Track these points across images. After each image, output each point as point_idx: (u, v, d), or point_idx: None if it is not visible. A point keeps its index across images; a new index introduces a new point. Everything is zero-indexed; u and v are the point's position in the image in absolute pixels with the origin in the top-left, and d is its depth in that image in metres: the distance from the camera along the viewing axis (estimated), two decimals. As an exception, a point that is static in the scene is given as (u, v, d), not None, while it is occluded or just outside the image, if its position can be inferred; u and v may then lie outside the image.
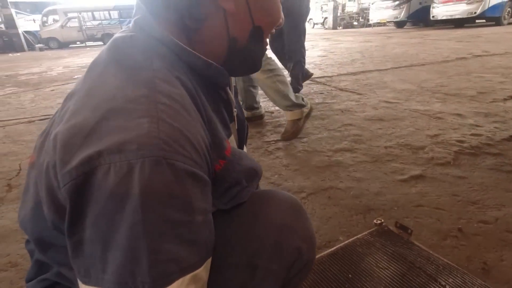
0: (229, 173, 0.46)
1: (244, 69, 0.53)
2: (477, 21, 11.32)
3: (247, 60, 0.50)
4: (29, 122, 2.49)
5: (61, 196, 0.34)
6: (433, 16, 11.68)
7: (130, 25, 0.46)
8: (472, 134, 1.72)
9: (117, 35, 0.44)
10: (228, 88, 0.51)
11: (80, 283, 0.34)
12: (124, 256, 0.31)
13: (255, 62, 0.52)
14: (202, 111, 0.41)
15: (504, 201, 1.13)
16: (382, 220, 1.01)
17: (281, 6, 0.49)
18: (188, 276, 0.34)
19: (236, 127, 0.57)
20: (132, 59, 0.39)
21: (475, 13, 10.28)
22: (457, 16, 10.90)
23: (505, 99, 2.31)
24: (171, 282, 0.32)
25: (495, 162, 1.41)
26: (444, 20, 11.55)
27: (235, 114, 0.55)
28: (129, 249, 0.31)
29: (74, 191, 0.31)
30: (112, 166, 0.30)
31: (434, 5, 11.54)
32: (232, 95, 0.53)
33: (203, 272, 0.36)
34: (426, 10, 12.17)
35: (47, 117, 2.59)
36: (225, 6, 0.43)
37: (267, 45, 0.51)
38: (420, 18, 13.25)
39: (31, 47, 12.94)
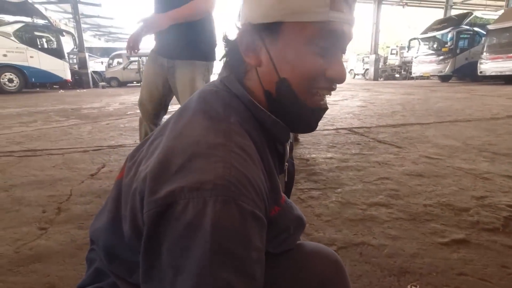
0: (282, 220, 0.50)
1: (298, 127, 0.54)
2: (531, 78, 10.74)
3: (295, 117, 0.51)
4: (84, 151, 2.76)
5: (141, 220, 0.41)
6: (480, 72, 11.37)
7: (217, 81, 0.55)
8: (525, 200, 1.58)
9: (205, 87, 0.53)
10: (287, 143, 0.57)
11: None
12: (193, 281, 0.35)
13: (302, 119, 0.52)
14: (265, 161, 0.47)
15: None
16: (418, 286, 0.94)
17: (326, 62, 0.47)
18: None
19: (286, 179, 0.63)
20: (215, 111, 0.47)
21: (528, 70, 9.82)
22: (507, 73, 10.50)
23: None
24: None
25: (554, 234, 1.27)
26: (493, 76, 11.15)
27: (286, 167, 0.61)
28: (197, 275, 0.35)
29: (155, 217, 0.38)
30: (191, 201, 0.37)
31: (482, 61, 11.28)
32: (287, 150, 0.59)
33: None
34: (473, 65, 11.91)
35: (100, 148, 2.85)
36: (247, 61, 0.49)
37: (315, 103, 0.50)
38: (466, 73, 12.94)
39: (95, 85, 14.63)
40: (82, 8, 15.96)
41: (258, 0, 0.47)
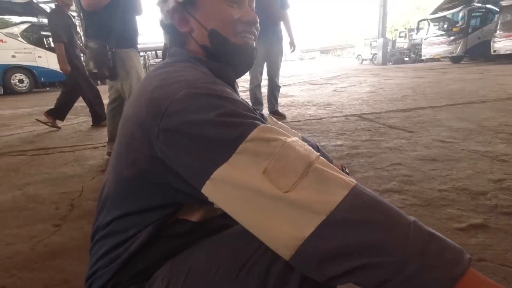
0: None
1: (238, 66, 0.64)
2: (548, 55, 10.33)
3: (232, 57, 0.62)
4: (94, 148, 2.78)
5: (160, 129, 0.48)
6: (494, 51, 10.98)
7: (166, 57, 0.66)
8: (546, 181, 1.52)
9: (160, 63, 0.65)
10: (235, 85, 0.68)
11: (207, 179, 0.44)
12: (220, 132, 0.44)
13: (238, 57, 0.62)
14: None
15: None
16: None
17: (238, 10, 0.60)
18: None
19: None
20: (172, 61, 0.60)
21: (545, 47, 9.43)
22: (523, 51, 10.09)
23: None
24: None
25: None
26: (508, 55, 10.75)
27: None
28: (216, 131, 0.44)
29: (170, 117, 0.46)
30: (183, 90, 0.48)
31: (496, 39, 10.88)
32: (238, 92, 0.68)
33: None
34: (486, 44, 11.50)
35: (109, 144, 2.88)
36: (183, 30, 0.62)
37: (244, 42, 0.61)
38: (479, 53, 12.51)
39: (103, 82, 14.72)
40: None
41: None
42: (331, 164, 0.44)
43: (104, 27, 1.99)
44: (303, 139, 0.95)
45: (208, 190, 0.44)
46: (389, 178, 1.68)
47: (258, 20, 0.63)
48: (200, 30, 0.60)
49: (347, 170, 1.03)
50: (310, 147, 0.45)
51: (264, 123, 0.46)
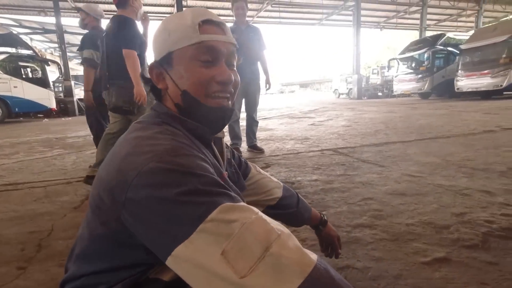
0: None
1: (210, 126, 0.65)
2: (504, 93, 11.30)
3: (204, 119, 0.64)
4: (68, 183, 2.71)
5: (125, 204, 0.50)
6: (457, 89, 11.89)
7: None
8: (502, 214, 1.63)
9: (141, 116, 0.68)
10: (212, 144, 0.69)
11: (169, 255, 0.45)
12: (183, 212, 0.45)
13: (210, 119, 0.64)
14: (196, 148, 0.59)
15: (541, 295, 1.03)
16: (401, 308, 0.94)
17: (212, 69, 0.62)
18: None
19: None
20: (151, 123, 0.62)
21: (501, 86, 10.36)
22: (482, 89, 11.02)
23: (538, 177, 2.20)
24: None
25: (530, 248, 1.31)
26: (470, 92, 11.67)
27: (226, 175, 0.68)
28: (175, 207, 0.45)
29: (134, 190, 0.47)
30: (151, 163, 0.49)
31: (458, 78, 11.82)
32: (218, 154, 0.71)
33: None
34: (450, 82, 12.47)
35: (83, 178, 2.81)
36: (160, 87, 0.66)
37: (218, 103, 0.63)
38: (444, 90, 13.50)
39: (81, 112, 14.49)
40: (68, 37, 16.10)
41: (155, 43, 0.66)
42: (294, 240, 0.46)
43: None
44: (284, 188, 0.99)
45: (171, 264, 0.45)
46: (360, 213, 1.74)
47: (233, 79, 0.63)
48: (174, 89, 0.63)
49: (325, 217, 1.07)
50: (272, 226, 0.45)
51: (231, 196, 0.47)
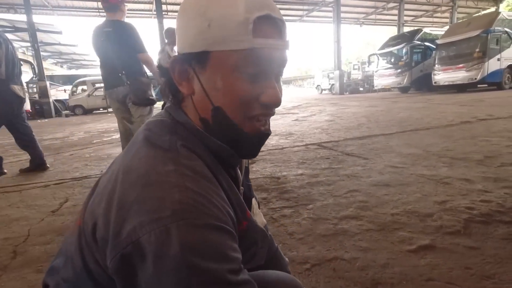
0: (250, 233, 0.53)
1: (239, 152, 0.52)
2: (479, 85, 11.76)
3: (234, 143, 0.51)
4: (45, 186, 2.59)
5: (107, 267, 0.40)
6: (435, 82, 12.27)
7: (162, 111, 0.55)
8: (481, 201, 1.68)
9: (151, 119, 0.53)
10: (237, 168, 0.57)
11: None
12: None
13: (242, 145, 0.51)
14: (222, 180, 0.48)
15: (521, 276, 1.06)
16: (389, 297, 0.95)
17: (259, 86, 0.48)
18: None
19: None
20: (161, 140, 0.47)
21: (475, 79, 10.75)
22: (458, 82, 11.41)
23: (513, 164, 2.29)
24: None
25: (509, 231, 1.35)
26: (446, 86, 12.06)
27: (241, 191, 0.60)
28: None
29: (123, 261, 0.38)
30: (153, 233, 0.36)
31: (435, 72, 12.20)
32: (240, 174, 0.58)
33: None
34: (428, 76, 12.86)
35: (62, 181, 2.70)
36: (181, 89, 0.50)
37: (255, 129, 0.50)
38: (423, 84, 13.90)
39: (58, 114, 14.00)
40: (41, 36, 15.46)
41: (185, 30, 0.48)
42: None
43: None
44: (265, 227, 0.76)
45: None
46: (346, 205, 1.75)
47: (281, 100, 0.50)
48: (203, 99, 0.49)
49: None
50: None
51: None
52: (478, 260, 1.16)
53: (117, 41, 2.56)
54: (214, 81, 0.47)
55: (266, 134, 0.52)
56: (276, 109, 0.52)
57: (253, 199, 0.72)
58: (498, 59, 10.71)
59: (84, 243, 0.46)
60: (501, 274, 1.08)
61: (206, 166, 0.46)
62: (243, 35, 0.44)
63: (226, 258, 0.38)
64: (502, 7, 21.61)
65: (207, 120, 0.50)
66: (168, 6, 15.82)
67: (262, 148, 2.75)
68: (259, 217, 0.74)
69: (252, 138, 0.51)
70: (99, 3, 14.46)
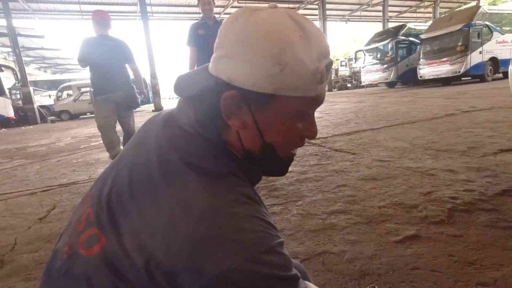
0: None
1: (272, 174, 0.57)
2: (462, 78, 12.03)
3: (271, 168, 0.54)
4: (31, 194, 2.55)
5: None
6: (420, 76, 12.50)
7: (182, 121, 0.50)
8: (465, 190, 1.73)
9: (176, 131, 0.49)
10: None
11: None
12: None
13: (278, 169, 0.55)
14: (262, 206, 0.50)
15: (502, 261, 1.10)
16: (376, 287, 0.98)
17: (303, 127, 0.51)
18: None
19: None
20: (208, 166, 0.45)
21: (459, 72, 10.99)
22: (442, 76, 11.65)
23: (495, 153, 2.36)
24: None
25: (490, 218, 1.40)
26: (432, 79, 12.31)
27: None
28: None
29: None
30: (240, 262, 0.39)
31: (420, 66, 12.43)
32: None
33: None
34: (413, 71, 13.09)
35: (49, 188, 2.66)
36: (230, 124, 0.48)
37: (291, 155, 0.54)
38: (409, 79, 14.14)
39: (43, 120, 13.71)
40: (23, 41, 15.12)
41: (250, 65, 0.44)
42: None
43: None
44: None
45: None
46: (335, 200, 1.78)
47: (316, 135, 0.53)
48: (254, 135, 0.49)
49: None
50: None
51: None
52: (461, 248, 1.20)
53: (119, 54, 3.06)
54: (272, 122, 0.47)
55: (293, 157, 0.56)
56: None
57: None
58: (480, 52, 10.98)
59: (118, 273, 0.42)
60: (482, 259, 1.12)
61: (252, 190, 0.48)
62: (313, 84, 0.46)
63: (292, 266, 0.44)
64: (483, 1, 22.14)
65: (253, 152, 0.50)
66: (153, 7, 15.66)
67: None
68: None
69: (287, 162, 0.55)
70: (82, 6, 14.23)
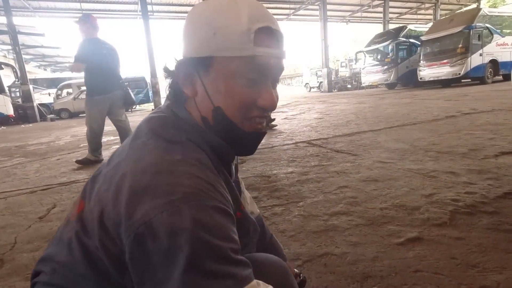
0: (243, 224, 0.58)
1: (236, 149, 0.58)
2: (463, 80, 12.04)
3: (232, 141, 0.56)
4: (31, 192, 2.54)
5: (117, 247, 0.44)
6: (420, 78, 12.51)
7: (163, 107, 0.58)
8: (466, 192, 1.73)
9: (154, 114, 0.57)
10: (232, 164, 0.63)
11: None
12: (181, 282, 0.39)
13: (240, 142, 0.56)
14: (221, 174, 0.53)
15: (504, 264, 1.10)
16: (379, 289, 0.97)
17: (256, 91, 0.52)
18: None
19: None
20: (168, 134, 0.51)
21: (459, 74, 11.00)
22: (442, 77, 11.65)
23: (496, 156, 2.36)
24: None
25: (492, 221, 1.40)
26: (432, 81, 12.31)
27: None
28: (185, 275, 0.39)
29: (137, 240, 0.41)
30: (165, 213, 0.40)
31: (421, 68, 12.44)
32: (233, 171, 0.65)
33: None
34: (413, 72, 13.10)
35: (49, 187, 2.65)
36: (185, 91, 0.55)
37: (254, 128, 0.55)
38: (409, 80, 14.15)
39: (43, 118, 13.68)
40: (23, 39, 15.08)
41: (191, 36, 0.52)
42: None
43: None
44: (260, 216, 0.85)
45: None
46: (336, 201, 1.77)
47: (277, 104, 0.55)
48: (205, 100, 0.53)
49: (301, 275, 0.88)
50: None
51: (245, 267, 0.44)
52: (463, 250, 1.20)
53: (115, 56, 3.37)
54: (217, 84, 0.52)
55: (263, 132, 0.57)
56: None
57: (246, 191, 0.80)
58: (481, 54, 11.00)
59: (85, 229, 0.49)
60: (485, 262, 1.11)
61: (209, 158, 0.51)
62: (245, 43, 0.49)
63: (229, 238, 0.43)
64: (483, 4, 22.16)
65: (208, 118, 0.54)
66: (154, 6, 15.64)
67: (252, 147, 2.72)
68: (252, 206, 0.83)
69: (249, 136, 0.55)
70: (83, 4, 14.21)
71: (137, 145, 0.51)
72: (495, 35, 11.30)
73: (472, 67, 10.82)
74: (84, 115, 3.70)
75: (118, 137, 3.83)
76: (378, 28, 21.27)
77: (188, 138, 0.52)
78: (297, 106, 9.31)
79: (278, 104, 0.59)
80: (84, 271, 0.48)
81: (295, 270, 0.86)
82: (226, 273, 0.40)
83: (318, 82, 21.89)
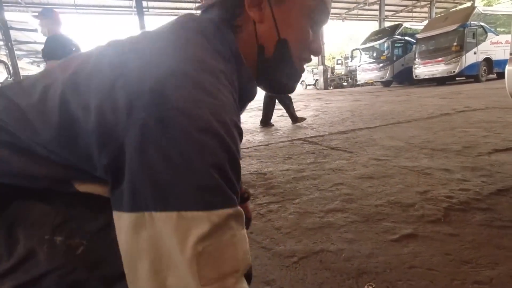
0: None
1: (281, 87, 0.57)
2: (457, 78, 12.13)
3: (277, 76, 0.54)
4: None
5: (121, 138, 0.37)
6: (415, 76, 12.58)
7: (201, 18, 0.51)
8: (460, 189, 1.74)
9: (197, 17, 0.51)
10: (246, 104, 0.59)
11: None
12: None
13: (283, 80, 0.55)
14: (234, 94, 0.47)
15: (497, 259, 1.11)
16: (374, 285, 0.98)
17: (312, 35, 0.54)
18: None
19: None
20: (214, 44, 0.47)
21: (453, 72, 11.08)
22: (437, 75, 11.73)
23: (489, 153, 2.39)
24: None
25: (485, 218, 1.41)
26: (427, 79, 12.39)
27: None
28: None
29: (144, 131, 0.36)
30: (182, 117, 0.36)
31: (416, 66, 12.51)
32: (244, 109, 0.61)
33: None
34: (409, 70, 13.16)
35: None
36: (251, 14, 0.50)
37: (301, 69, 0.56)
38: (404, 78, 14.23)
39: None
40: (15, 34, 14.85)
41: None
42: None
43: None
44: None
45: (124, 221, 0.36)
46: (332, 198, 1.78)
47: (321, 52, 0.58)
48: (270, 30, 0.50)
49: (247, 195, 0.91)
50: (248, 249, 0.40)
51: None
52: (457, 246, 1.21)
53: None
54: (288, 17, 0.50)
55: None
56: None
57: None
58: (475, 53, 11.08)
59: (76, 87, 0.41)
60: (478, 258, 1.13)
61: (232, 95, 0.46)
62: None
63: (237, 149, 0.41)
64: (478, 2, 22.32)
65: (266, 49, 0.51)
66: (149, 2, 15.50)
67: (248, 145, 2.77)
68: None
69: (299, 74, 0.57)
70: (76, 0, 14.04)
71: (158, 34, 0.46)
72: (489, 34, 11.39)
73: (466, 65, 10.91)
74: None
75: None
76: (374, 26, 21.34)
77: (224, 68, 0.46)
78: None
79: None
80: (49, 119, 0.41)
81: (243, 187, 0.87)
82: (234, 189, 0.39)
83: (314, 79, 21.93)
